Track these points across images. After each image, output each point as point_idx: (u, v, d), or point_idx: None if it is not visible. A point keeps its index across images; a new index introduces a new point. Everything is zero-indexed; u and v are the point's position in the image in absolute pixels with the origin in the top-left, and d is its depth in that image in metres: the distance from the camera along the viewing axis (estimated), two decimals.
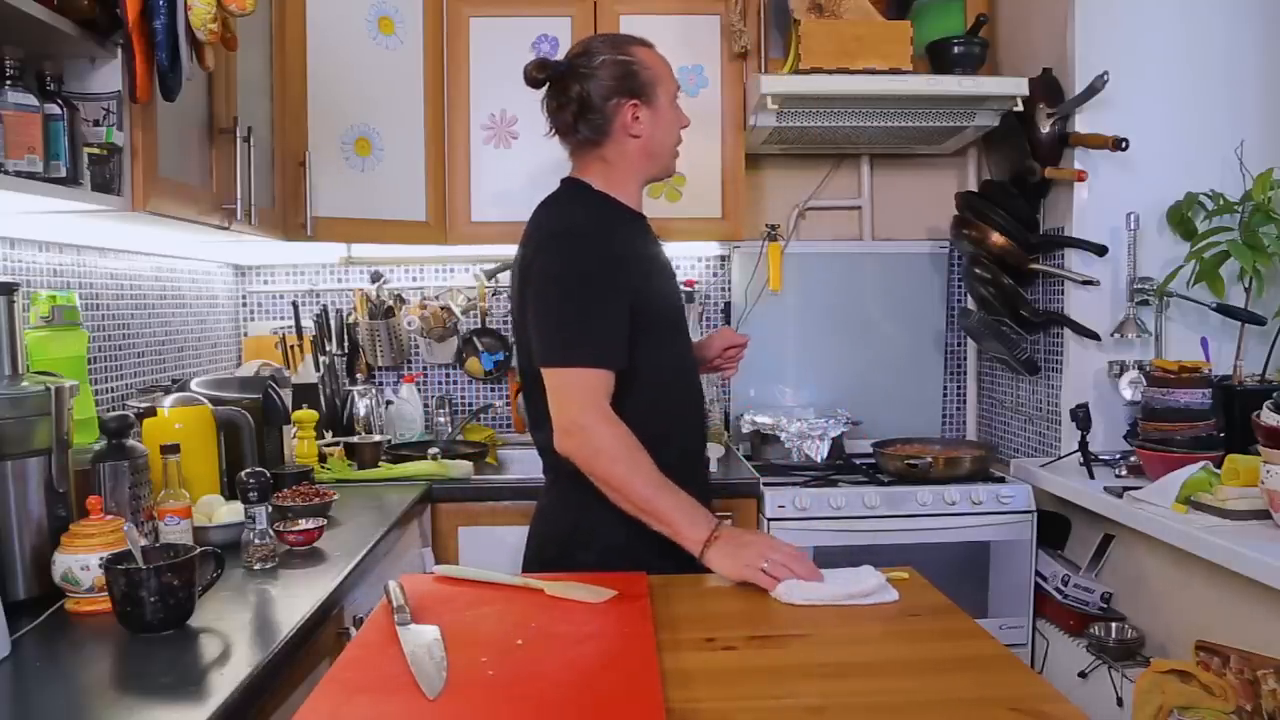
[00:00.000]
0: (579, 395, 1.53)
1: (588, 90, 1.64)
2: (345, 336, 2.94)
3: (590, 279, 1.56)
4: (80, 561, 1.33)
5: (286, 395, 2.23)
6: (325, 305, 2.97)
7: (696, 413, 1.78)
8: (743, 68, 2.66)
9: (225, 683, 1.09)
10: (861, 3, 2.60)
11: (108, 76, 1.55)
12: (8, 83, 1.37)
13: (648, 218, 1.77)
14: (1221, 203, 2.30)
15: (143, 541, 1.34)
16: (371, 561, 1.74)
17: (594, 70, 1.65)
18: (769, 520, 2.34)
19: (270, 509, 1.63)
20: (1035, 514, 2.39)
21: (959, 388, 3.07)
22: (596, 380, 1.53)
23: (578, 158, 1.73)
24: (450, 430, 2.92)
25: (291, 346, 2.86)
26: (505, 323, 3.03)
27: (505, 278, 3.02)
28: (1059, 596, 2.28)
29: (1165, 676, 1.64)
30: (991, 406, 2.98)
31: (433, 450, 2.52)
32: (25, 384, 1.40)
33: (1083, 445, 2.30)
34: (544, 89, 1.72)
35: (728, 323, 3.01)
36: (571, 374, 1.54)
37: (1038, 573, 2.39)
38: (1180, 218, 2.36)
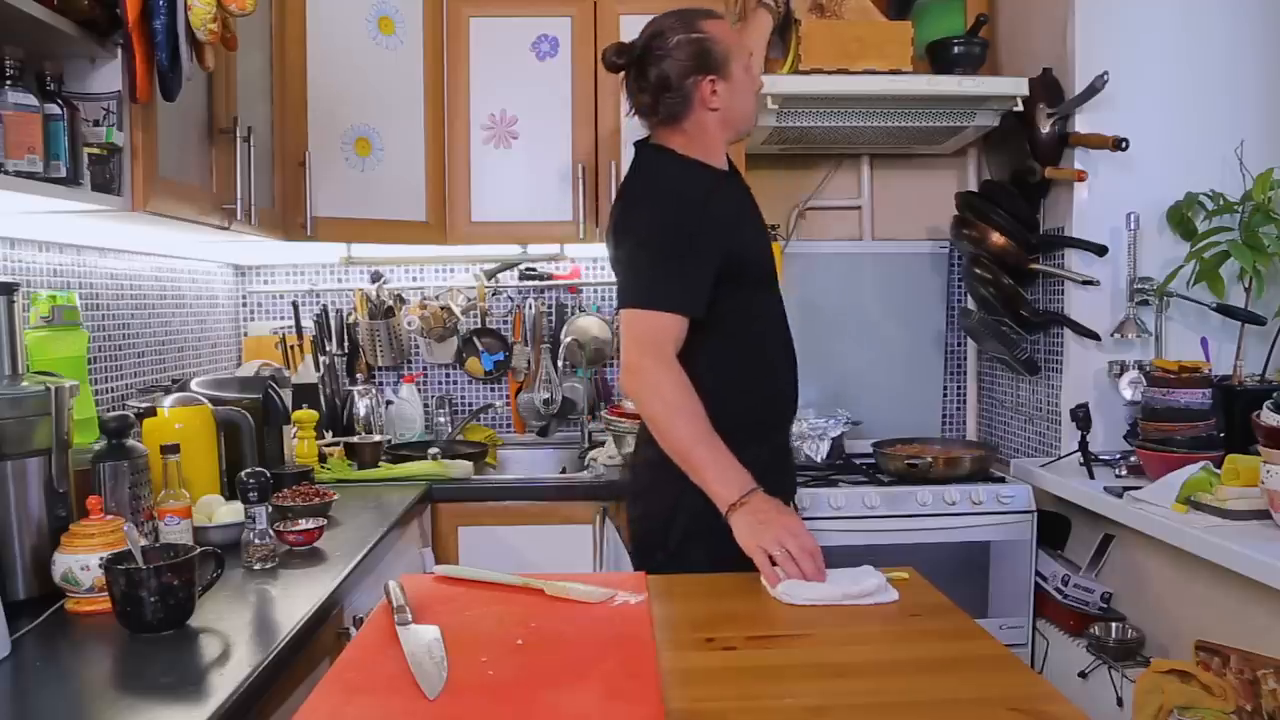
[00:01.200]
0: (646, 336, 1.59)
1: (665, 71, 1.69)
2: (345, 336, 2.94)
3: (674, 231, 1.62)
4: (80, 561, 1.33)
5: (286, 395, 2.23)
6: (325, 305, 2.97)
7: (789, 361, 1.83)
8: None
9: (225, 683, 1.09)
10: (862, 2, 2.60)
11: (108, 76, 1.55)
12: (8, 83, 1.37)
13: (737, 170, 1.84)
14: (1221, 203, 2.30)
15: (143, 541, 1.34)
16: (371, 561, 1.74)
17: (669, 51, 1.69)
18: None
19: (270, 509, 1.63)
20: (1035, 514, 2.39)
21: (959, 388, 3.07)
22: (667, 323, 1.58)
23: (658, 131, 1.77)
24: (450, 430, 2.92)
25: (291, 346, 2.86)
26: (505, 323, 3.04)
27: (505, 277, 3.02)
28: (1059, 596, 2.28)
29: (1165, 676, 1.64)
30: (991, 406, 2.98)
31: (433, 450, 2.52)
32: (25, 384, 1.40)
33: (1083, 445, 2.30)
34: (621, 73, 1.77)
35: None
36: (642, 315, 1.60)
37: (1038, 573, 2.39)
38: (1180, 218, 2.36)
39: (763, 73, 1.81)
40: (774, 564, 1.40)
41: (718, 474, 1.53)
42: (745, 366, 1.72)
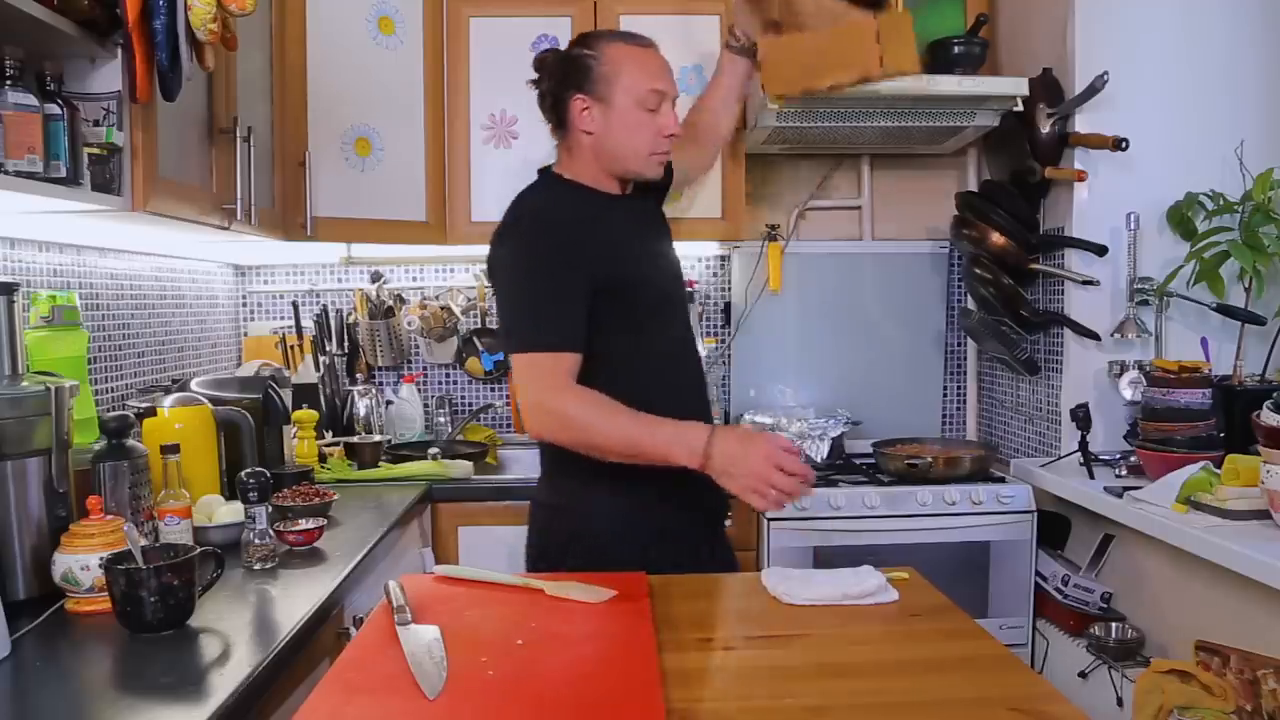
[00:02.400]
0: (537, 378, 1.55)
1: (545, 84, 1.70)
2: (345, 336, 2.94)
3: (541, 263, 1.59)
4: (80, 561, 1.33)
5: (286, 395, 2.23)
6: (325, 305, 2.97)
7: (687, 398, 1.72)
8: None
9: (225, 683, 1.09)
10: (824, 1, 2.30)
11: (108, 76, 1.55)
12: (8, 83, 1.37)
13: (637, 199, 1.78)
14: (1221, 203, 2.30)
15: (143, 541, 1.34)
16: (371, 561, 1.74)
17: (554, 64, 1.69)
18: (769, 519, 2.34)
19: (270, 509, 1.63)
20: (1035, 514, 2.39)
21: (959, 388, 3.07)
22: (554, 363, 1.55)
23: (558, 148, 1.77)
24: (450, 430, 2.92)
25: (291, 346, 2.86)
26: None
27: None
28: (1059, 596, 2.28)
29: (1165, 676, 1.65)
30: (991, 406, 2.98)
31: (433, 450, 2.52)
32: (25, 384, 1.40)
33: (1083, 445, 2.30)
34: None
35: (727, 324, 3.01)
36: (527, 359, 1.57)
37: (1038, 573, 2.39)
38: (1180, 218, 2.36)
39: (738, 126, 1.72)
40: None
41: (667, 450, 1.48)
42: (635, 404, 1.58)
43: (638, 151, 1.67)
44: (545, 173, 1.76)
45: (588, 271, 1.58)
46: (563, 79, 1.67)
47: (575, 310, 1.57)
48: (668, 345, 1.72)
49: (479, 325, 3.00)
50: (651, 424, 1.50)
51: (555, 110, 1.70)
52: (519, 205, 1.70)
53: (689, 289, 2.92)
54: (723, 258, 3.05)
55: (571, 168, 1.72)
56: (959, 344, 3.05)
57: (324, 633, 1.44)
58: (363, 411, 2.76)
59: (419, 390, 2.95)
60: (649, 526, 1.63)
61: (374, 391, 2.81)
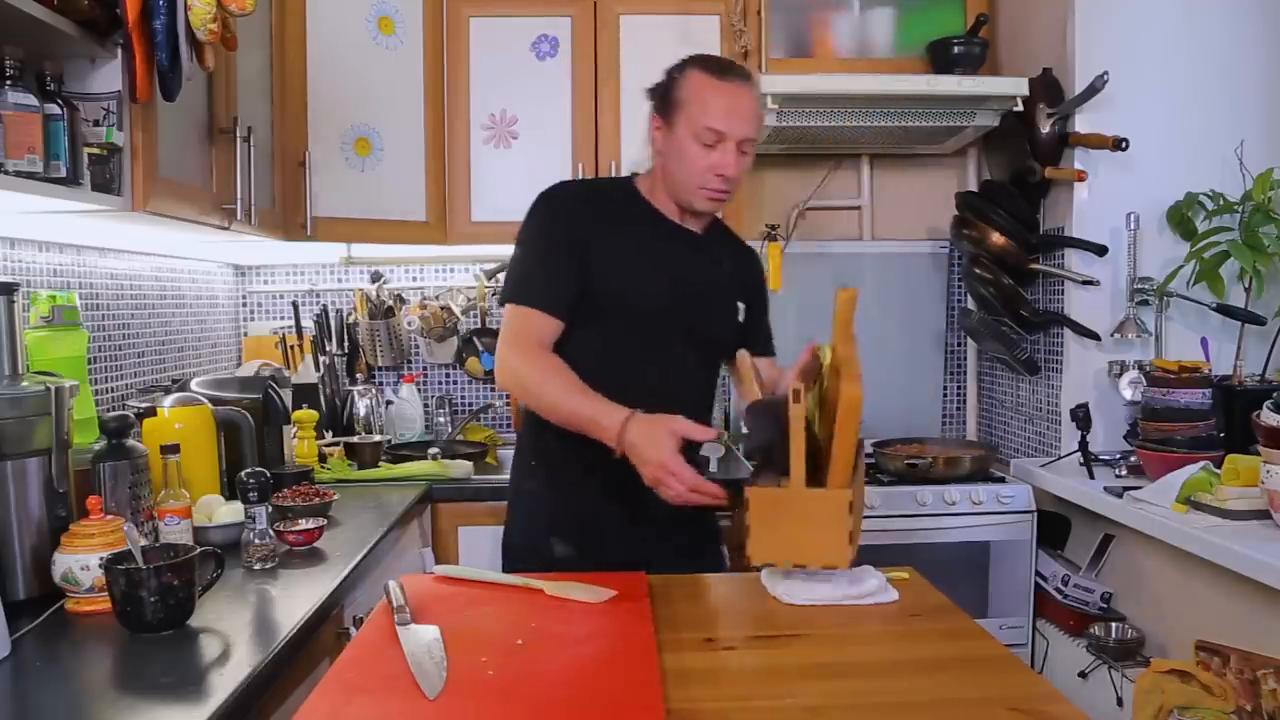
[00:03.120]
0: (506, 329, 1.62)
1: (652, 92, 1.71)
2: (345, 336, 2.94)
3: (542, 233, 1.65)
4: (80, 561, 1.33)
5: (286, 395, 2.23)
6: (325, 305, 2.97)
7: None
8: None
9: (225, 683, 1.09)
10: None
11: (108, 76, 1.55)
12: (8, 83, 1.37)
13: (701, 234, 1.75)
14: (1221, 203, 2.30)
15: (143, 541, 1.34)
16: (371, 561, 1.74)
17: (660, 80, 1.70)
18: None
19: (270, 509, 1.63)
20: (1035, 514, 2.39)
21: (959, 388, 3.07)
22: (524, 318, 1.60)
23: None
24: (450, 430, 2.92)
25: (291, 346, 2.86)
26: None
27: (505, 277, 3.02)
28: (1059, 596, 2.28)
29: (1165, 676, 1.64)
30: (991, 406, 2.98)
31: (433, 450, 2.52)
32: (25, 384, 1.40)
33: (1083, 445, 2.30)
34: None
35: None
36: (506, 311, 1.64)
37: (1038, 573, 2.39)
38: (1180, 218, 2.36)
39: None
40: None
41: (592, 425, 1.50)
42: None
43: (687, 182, 1.65)
44: (635, 175, 1.80)
45: (578, 256, 1.62)
46: (655, 92, 1.69)
47: (558, 277, 1.61)
48: (619, 360, 1.65)
49: (479, 325, 3.00)
50: (584, 398, 1.52)
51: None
52: (560, 183, 1.77)
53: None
54: None
55: (649, 178, 1.75)
56: (959, 344, 3.05)
57: (324, 633, 1.44)
58: (363, 411, 2.76)
59: (419, 390, 2.95)
60: (563, 513, 1.71)
61: (374, 391, 2.81)
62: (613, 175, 1.75)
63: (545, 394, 1.57)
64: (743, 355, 1.54)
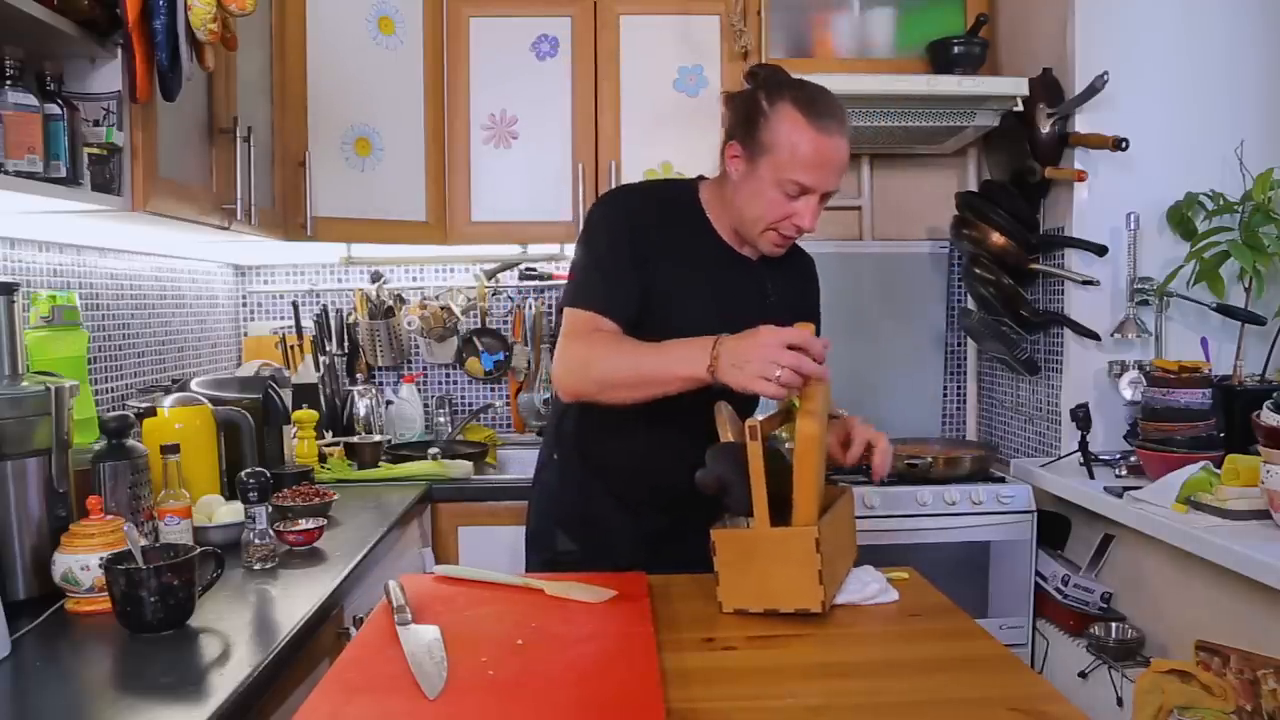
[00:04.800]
0: (565, 329, 1.53)
1: (730, 110, 1.60)
2: (345, 336, 2.94)
3: (607, 241, 1.57)
4: (80, 561, 1.33)
5: (286, 395, 2.23)
6: (325, 305, 2.97)
7: (661, 455, 1.59)
8: (743, 68, 2.65)
9: (225, 683, 1.09)
10: None
11: (108, 76, 1.55)
12: (8, 83, 1.37)
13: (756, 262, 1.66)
14: (1221, 203, 2.30)
15: (143, 541, 1.34)
16: (371, 561, 1.74)
17: (740, 101, 1.57)
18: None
19: (270, 509, 1.63)
20: (1035, 514, 2.39)
21: (959, 388, 3.07)
22: (586, 319, 1.51)
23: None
24: (450, 430, 2.92)
25: (291, 346, 2.86)
26: (505, 323, 3.04)
27: (505, 277, 3.02)
28: (1059, 596, 2.28)
29: (1165, 676, 1.64)
30: (991, 406, 2.98)
31: (433, 450, 2.52)
32: (25, 384, 1.40)
33: (1083, 445, 2.30)
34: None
35: None
36: (566, 314, 1.55)
37: (1038, 573, 2.39)
38: (1180, 218, 2.36)
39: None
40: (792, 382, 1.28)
41: (678, 365, 1.38)
42: (616, 427, 1.61)
43: (756, 220, 1.55)
44: (702, 179, 1.70)
45: (638, 267, 1.55)
46: (736, 115, 1.56)
47: (620, 286, 1.54)
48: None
49: (479, 325, 3.00)
50: (656, 346, 1.44)
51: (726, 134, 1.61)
52: (624, 187, 1.73)
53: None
54: None
55: (713, 186, 1.66)
56: (959, 344, 3.05)
57: (324, 633, 1.44)
58: (363, 411, 2.76)
59: (419, 390, 2.96)
60: (571, 510, 1.70)
61: (374, 391, 2.81)
62: (674, 178, 1.60)
63: (616, 360, 1.45)
64: (719, 407, 1.43)
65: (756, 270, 1.66)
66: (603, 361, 1.46)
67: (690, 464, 1.34)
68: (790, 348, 1.27)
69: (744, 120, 1.53)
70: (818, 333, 1.76)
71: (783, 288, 1.69)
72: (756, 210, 1.54)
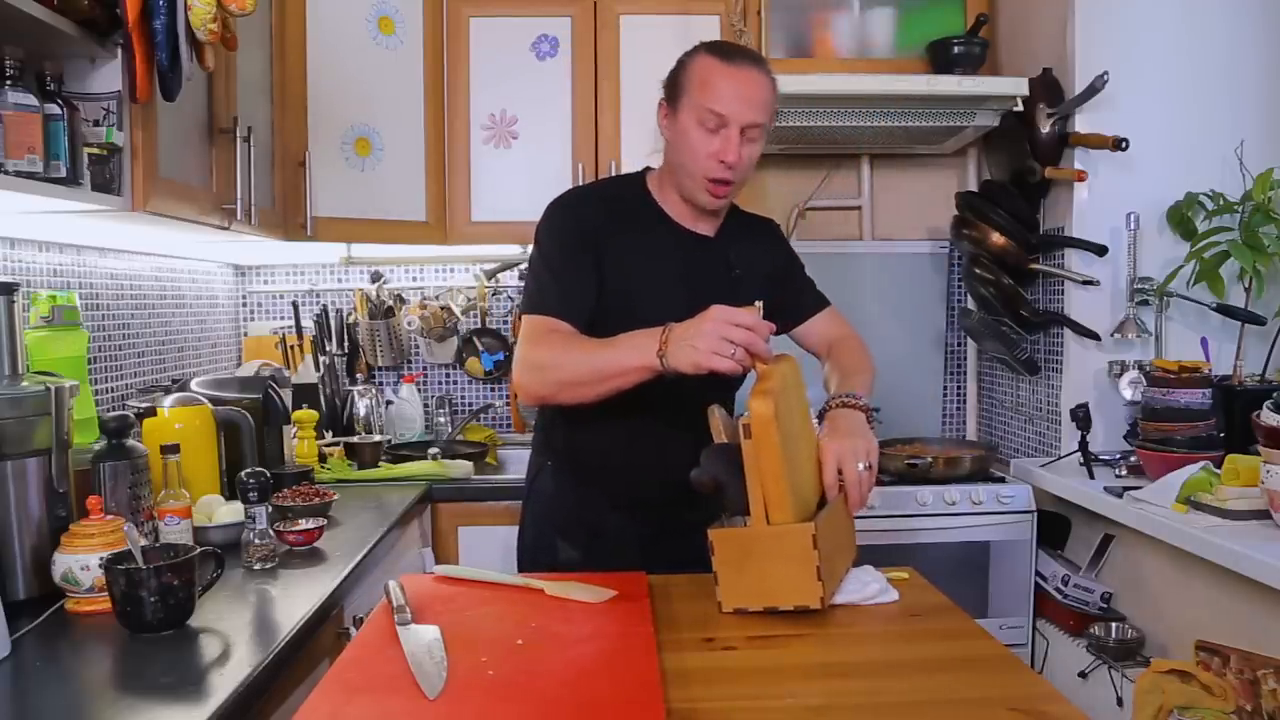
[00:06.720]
0: (522, 337, 1.55)
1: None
2: (345, 336, 2.94)
3: (556, 243, 1.59)
4: (80, 561, 1.33)
5: (286, 395, 2.23)
6: (325, 305, 2.97)
7: (642, 437, 1.62)
8: None
9: (225, 683, 1.09)
10: None
11: (108, 76, 1.55)
12: (8, 83, 1.37)
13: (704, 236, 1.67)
14: (1221, 203, 2.30)
15: (143, 541, 1.34)
16: (371, 561, 1.74)
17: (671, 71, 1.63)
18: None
19: (270, 509, 1.63)
20: (1035, 514, 2.39)
21: (959, 388, 3.07)
22: (541, 324, 1.52)
23: None
24: (450, 430, 2.92)
25: (291, 346, 2.86)
26: (505, 323, 3.04)
27: (505, 277, 3.02)
28: (1059, 596, 2.28)
29: (1165, 676, 1.64)
30: (991, 406, 2.98)
31: (433, 450, 2.52)
32: (25, 384, 1.40)
33: (1083, 445, 2.30)
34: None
35: None
36: (523, 322, 1.56)
37: (1038, 573, 2.39)
38: (1180, 218, 2.36)
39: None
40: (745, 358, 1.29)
41: (629, 355, 1.38)
42: (602, 429, 1.62)
43: (691, 171, 1.56)
44: (648, 169, 1.71)
45: (591, 263, 1.56)
46: (666, 81, 1.62)
47: (573, 286, 1.55)
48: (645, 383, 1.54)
49: (479, 325, 3.00)
50: (609, 341, 1.44)
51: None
52: (572, 188, 1.74)
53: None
54: None
55: (659, 172, 1.68)
56: (959, 344, 3.05)
57: (324, 633, 1.44)
58: (363, 411, 2.76)
59: (419, 390, 2.96)
60: (570, 516, 1.70)
61: (374, 391, 2.81)
62: (622, 173, 1.63)
63: (571, 359, 1.46)
64: (712, 410, 1.39)
65: (717, 245, 1.67)
66: (559, 362, 1.47)
67: (684, 461, 1.33)
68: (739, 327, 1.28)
69: (668, 82, 1.60)
70: (810, 283, 1.83)
71: (747, 258, 1.70)
72: (685, 155, 1.56)
